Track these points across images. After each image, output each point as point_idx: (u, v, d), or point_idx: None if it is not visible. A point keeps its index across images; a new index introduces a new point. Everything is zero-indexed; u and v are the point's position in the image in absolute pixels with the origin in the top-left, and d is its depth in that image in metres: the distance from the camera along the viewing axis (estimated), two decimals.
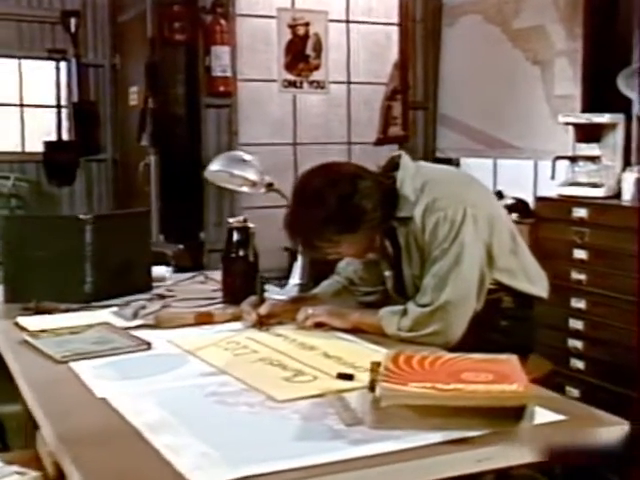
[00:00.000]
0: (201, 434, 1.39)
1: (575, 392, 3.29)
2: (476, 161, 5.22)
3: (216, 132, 4.84)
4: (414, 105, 5.45)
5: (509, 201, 4.16)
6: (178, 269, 3.19)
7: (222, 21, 4.69)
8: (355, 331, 2.12)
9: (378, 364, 1.53)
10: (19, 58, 5.97)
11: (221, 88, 4.72)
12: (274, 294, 2.50)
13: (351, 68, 5.22)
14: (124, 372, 1.80)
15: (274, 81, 4.99)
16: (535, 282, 2.18)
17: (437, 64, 5.41)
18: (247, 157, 2.31)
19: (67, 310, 2.42)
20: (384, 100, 5.33)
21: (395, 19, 5.33)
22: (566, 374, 3.33)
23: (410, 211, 2.07)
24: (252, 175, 2.28)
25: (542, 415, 1.43)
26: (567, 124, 3.76)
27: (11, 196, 5.49)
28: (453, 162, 5.41)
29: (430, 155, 5.45)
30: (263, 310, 2.17)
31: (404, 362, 1.52)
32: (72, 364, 1.86)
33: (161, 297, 2.63)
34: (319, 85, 5.11)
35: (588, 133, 3.45)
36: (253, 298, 2.24)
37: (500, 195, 4.32)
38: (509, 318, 2.16)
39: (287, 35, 5.01)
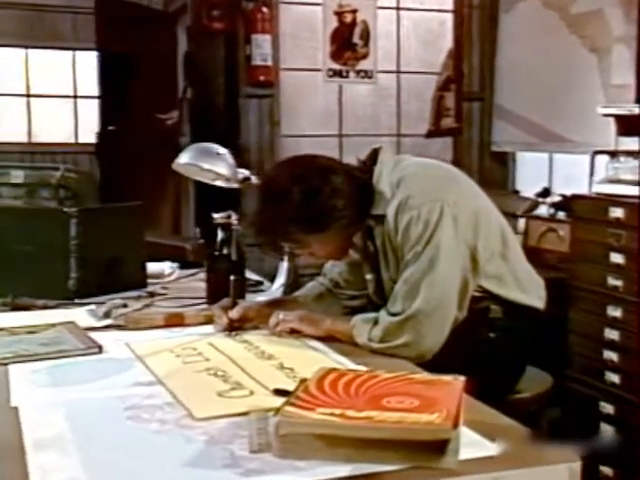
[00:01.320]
0: (86, 454, 1.25)
1: (609, 408, 3.03)
2: (532, 155, 4.95)
3: (257, 123, 4.71)
4: (469, 96, 5.19)
5: (556, 198, 3.89)
6: (195, 265, 3.07)
7: (264, 9, 4.55)
8: (328, 339, 1.95)
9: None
10: (73, 50, 5.99)
11: (261, 77, 4.58)
12: (258, 296, 2.35)
13: (401, 57, 5.00)
14: (57, 378, 1.68)
15: (319, 70, 4.83)
16: (528, 290, 1.96)
17: (493, 52, 5.14)
18: (221, 150, 2.16)
19: (45, 307, 2.33)
20: (436, 90, 5.10)
21: (449, 6, 5.09)
22: (600, 388, 3.06)
23: (385, 209, 1.88)
24: (223, 169, 2.13)
25: (477, 449, 1.24)
26: (607, 115, 3.47)
27: (59, 187, 5.50)
28: (508, 156, 5.16)
29: (485, 149, 5.20)
30: (234, 314, 2.02)
31: (330, 382, 1.35)
32: (11, 366, 1.75)
33: (151, 295, 2.52)
34: (366, 75, 4.91)
35: (630, 125, 3.16)
36: (225, 300, 2.09)
37: (547, 192, 4.05)
38: (498, 330, 1.94)
39: (333, 23, 4.83)
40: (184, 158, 2.16)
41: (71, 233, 2.44)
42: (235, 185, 2.25)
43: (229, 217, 2.29)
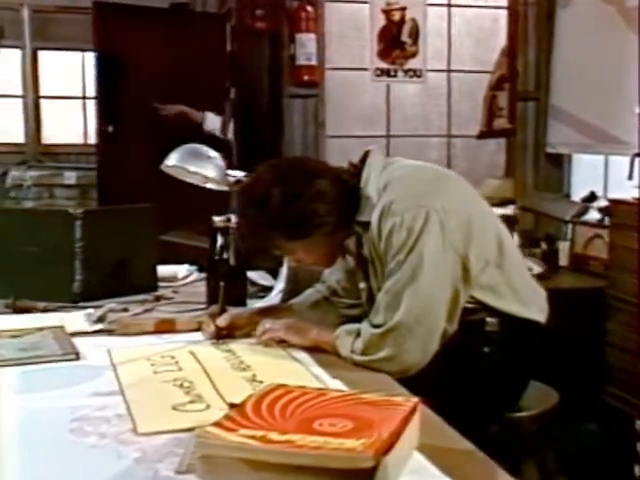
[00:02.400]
0: (20, 466, 1.21)
1: None
2: (588, 157, 4.74)
3: (302, 123, 4.65)
4: (523, 95, 5.01)
5: (602, 203, 3.70)
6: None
7: (308, 7, 4.49)
8: (315, 349, 1.86)
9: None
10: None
11: (305, 77, 4.52)
12: (258, 302, 2.28)
13: (452, 55, 4.86)
14: (22, 385, 1.64)
15: (365, 70, 4.74)
16: (527, 303, 1.83)
17: (550, 50, 4.94)
18: (212, 154, 2.09)
19: (45, 310, 2.31)
20: (488, 90, 4.94)
21: (503, 2, 4.92)
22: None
23: (370, 215, 1.78)
24: (210, 172, 2.06)
25: (421, 476, 1.14)
26: None
27: (75, 187, 5.54)
28: (564, 158, 4.95)
29: (540, 150, 5.01)
30: (221, 322, 1.95)
31: (270, 401, 1.26)
32: None
33: (157, 299, 2.48)
34: (415, 74, 4.80)
35: None
36: (214, 307, 2.02)
37: (593, 196, 3.85)
38: (494, 344, 1.82)
39: (381, 21, 4.73)
40: (172, 160, 2.10)
41: (76, 235, 2.41)
42: (226, 188, 2.18)
43: (228, 220, 2.22)
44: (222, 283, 2.02)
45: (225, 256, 2.24)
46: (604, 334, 3.05)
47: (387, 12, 4.72)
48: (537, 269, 3.59)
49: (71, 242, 2.41)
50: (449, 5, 4.84)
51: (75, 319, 2.18)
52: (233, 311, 2.02)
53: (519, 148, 5.03)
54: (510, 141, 5.01)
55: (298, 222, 1.76)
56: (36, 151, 6.04)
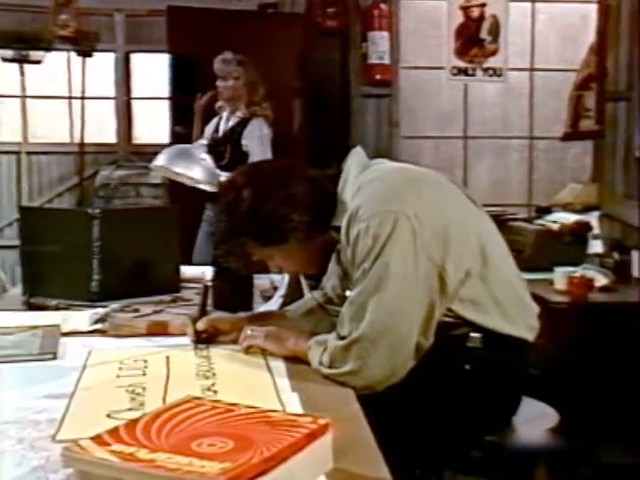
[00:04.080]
0: None
1: None
2: None
3: (375, 124, 4.56)
4: (613, 95, 4.73)
5: None
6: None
7: (382, 5, 4.39)
8: (294, 359, 1.79)
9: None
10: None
11: (378, 76, 4.43)
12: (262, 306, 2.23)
13: (535, 53, 4.65)
14: None
15: (442, 69, 4.60)
16: (512, 319, 1.69)
17: None
18: (203, 155, 2.05)
19: (57, 308, 2.33)
20: (574, 89, 4.69)
21: None
22: None
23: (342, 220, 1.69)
24: (197, 174, 2.02)
25: None
26: None
27: (161, 185, 5.60)
28: None
29: (631, 154, 4.72)
30: (199, 325, 1.91)
31: (169, 416, 1.20)
32: None
33: (174, 301, 2.46)
34: (495, 72, 4.62)
35: None
36: (194, 310, 1.98)
37: None
38: (475, 361, 1.69)
39: (459, 18, 4.58)
40: (159, 160, 2.08)
41: (94, 234, 2.43)
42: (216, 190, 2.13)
43: None
44: (207, 284, 1.98)
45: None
46: None
47: (465, 9, 4.56)
48: (602, 281, 3.38)
49: (89, 241, 2.43)
50: (533, 0, 4.63)
51: (79, 318, 2.19)
52: (215, 315, 1.97)
53: (607, 151, 4.76)
54: (597, 144, 4.74)
55: (267, 227, 1.70)
56: (127, 151, 6.20)
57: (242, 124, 4.07)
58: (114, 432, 1.14)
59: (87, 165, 6.10)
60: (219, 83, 4.10)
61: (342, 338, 1.64)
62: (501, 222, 3.38)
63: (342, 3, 4.35)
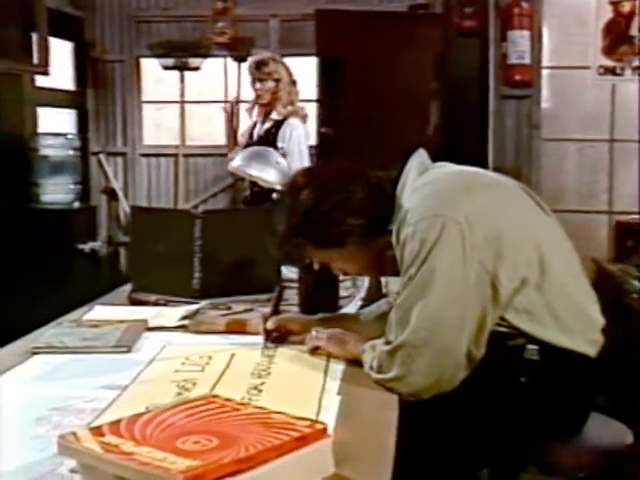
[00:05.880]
0: None
1: None
2: None
3: (515, 125, 4.42)
4: None
5: None
6: None
7: (523, 3, 4.26)
8: (355, 362, 1.78)
9: None
10: None
11: (517, 77, 4.30)
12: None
13: None
14: (51, 372, 1.75)
15: (587, 68, 4.39)
16: (571, 331, 1.59)
17: None
18: (279, 159, 2.06)
19: (156, 303, 2.43)
20: None
21: None
22: None
23: None
24: (272, 177, 2.03)
25: None
26: None
27: None
28: None
29: None
30: (269, 324, 1.94)
31: (173, 412, 1.23)
32: (40, 356, 1.87)
33: (268, 300, 2.51)
34: None
35: None
36: (266, 310, 2.01)
37: None
38: (532, 374, 1.61)
39: (607, 14, 4.35)
40: (236, 162, 2.11)
41: (195, 234, 2.52)
42: None
43: None
44: (283, 285, 2.01)
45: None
46: None
47: (615, 4, 4.33)
48: None
49: (191, 240, 2.52)
50: None
51: (171, 314, 2.27)
52: (286, 315, 2.00)
53: None
54: None
55: (322, 229, 1.70)
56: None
57: (277, 126, 3.88)
58: (115, 424, 1.18)
59: None
60: (258, 86, 3.98)
61: (388, 343, 1.61)
62: None
63: (480, 2, 4.25)
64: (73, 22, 6.33)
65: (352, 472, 1.22)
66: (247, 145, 3.89)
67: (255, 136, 3.95)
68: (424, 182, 1.68)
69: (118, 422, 1.19)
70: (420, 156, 1.76)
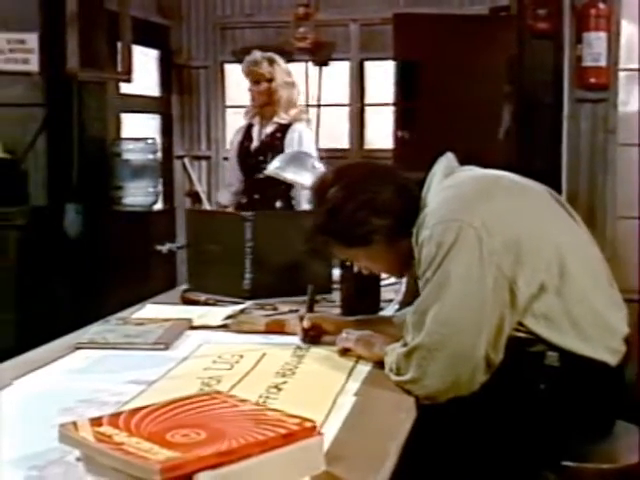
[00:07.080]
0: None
1: None
2: None
3: (590, 129, 4.30)
4: None
5: None
6: None
7: (600, 4, 4.15)
8: (381, 364, 1.80)
9: None
10: None
11: (592, 80, 4.18)
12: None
13: None
14: (90, 366, 1.84)
15: None
16: (590, 339, 1.56)
17: None
18: (317, 164, 2.09)
19: (206, 303, 2.50)
20: None
21: None
22: None
23: None
24: (307, 180, 2.06)
25: None
26: None
27: None
28: None
29: None
30: (305, 323, 1.98)
31: (173, 407, 1.28)
32: (83, 351, 1.95)
33: (315, 302, 2.54)
34: None
35: None
36: (302, 310, 2.06)
37: None
38: (552, 381, 1.59)
39: None
40: (274, 164, 2.15)
41: (246, 236, 2.57)
42: None
43: None
44: (311, 286, 2.05)
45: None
46: None
47: None
48: None
49: (242, 242, 2.58)
50: None
51: (216, 314, 2.33)
52: (320, 315, 2.03)
53: None
54: None
55: (347, 228, 1.72)
56: (359, 156, 6.38)
57: (282, 130, 3.81)
58: (116, 415, 1.24)
59: None
60: (252, 87, 3.89)
61: (404, 345, 1.63)
62: None
63: (554, 3, 4.18)
64: (160, 30, 6.53)
65: (345, 472, 1.24)
66: (247, 150, 3.92)
67: (256, 139, 3.89)
68: (448, 185, 1.68)
69: (120, 414, 1.24)
70: (447, 159, 1.76)
